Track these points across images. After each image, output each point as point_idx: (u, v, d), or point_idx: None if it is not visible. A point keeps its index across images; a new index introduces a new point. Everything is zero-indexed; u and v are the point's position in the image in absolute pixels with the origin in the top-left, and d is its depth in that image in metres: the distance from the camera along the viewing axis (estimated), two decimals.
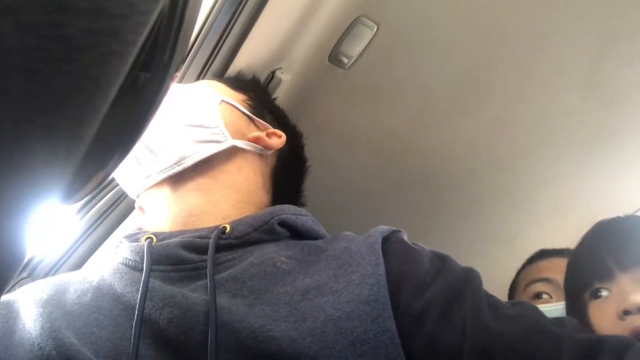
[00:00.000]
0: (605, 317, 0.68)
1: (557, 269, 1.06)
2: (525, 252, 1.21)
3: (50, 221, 0.90)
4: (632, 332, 0.63)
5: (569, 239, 1.35)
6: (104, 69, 0.18)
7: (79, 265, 0.94)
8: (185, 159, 0.65)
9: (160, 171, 0.66)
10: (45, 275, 0.94)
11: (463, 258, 0.60)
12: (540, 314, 0.51)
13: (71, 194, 0.31)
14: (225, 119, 0.69)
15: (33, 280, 0.82)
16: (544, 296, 1.04)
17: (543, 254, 1.14)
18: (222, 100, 0.71)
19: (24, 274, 0.95)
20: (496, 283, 1.18)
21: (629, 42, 0.92)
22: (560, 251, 1.12)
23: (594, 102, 1.02)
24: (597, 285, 0.70)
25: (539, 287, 1.06)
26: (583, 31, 0.90)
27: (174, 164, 0.65)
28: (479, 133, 1.05)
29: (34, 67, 0.16)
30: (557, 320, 0.50)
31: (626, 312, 0.65)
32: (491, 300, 0.53)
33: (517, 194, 1.20)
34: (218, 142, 0.67)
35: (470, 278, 0.54)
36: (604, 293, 0.70)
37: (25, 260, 0.92)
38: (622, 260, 0.69)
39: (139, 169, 0.67)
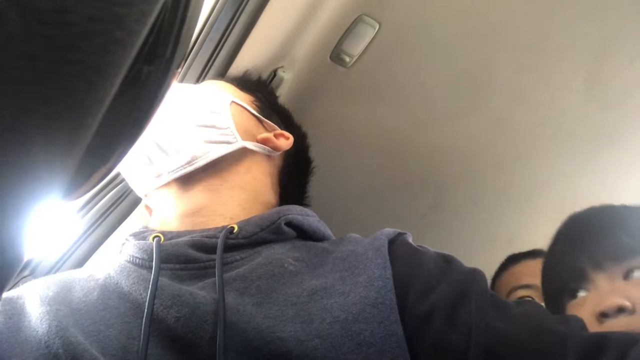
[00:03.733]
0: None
1: (532, 273, 1.06)
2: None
3: (52, 219, 0.90)
4: None
5: None
6: (107, 58, 0.17)
7: (80, 263, 0.94)
8: (196, 159, 0.66)
9: (172, 171, 0.66)
10: (47, 273, 0.94)
11: (462, 258, 0.60)
12: (545, 313, 0.51)
13: (73, 189, 0.30)
14: (235, 120, 0.69)
15: (35, 278, 0.82)
16: (525, 299, 1.03)
17: (514, 259, 1.14)
18: (233, 101, 0.71)
19: (26, 272, 0.95)
20: None
21: (628, 43, 0.92)
22: (530, 253, 1.13)
23: (594, 103, 1.02)
24: (574, 287, 0.67)
25: (521, 293, 1.06)
26: (583, 32, 0.90)
27: (185, 164, 0.66)
28: (480, 133, 1.06)
29: (35, 54, 0.16)
30: (562, 319, 0.50)
31: (603, 315, 0.62)
32: (496, 300, 0.52)
33: (517, 195, 1.20)
34: (229, 143, 0.68)
35: (475, 279, 0.54)
36: (582, 293, 0.66)
37: (27, 259, 0.92)
38: (597, 259, 0.65)
39: (150, 168, 0.67)
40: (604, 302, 0.62)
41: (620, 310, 0.61)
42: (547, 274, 0.73)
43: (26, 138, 0.17)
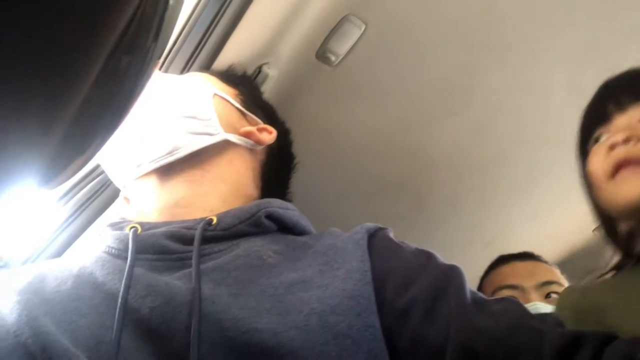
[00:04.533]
0: (597, 158, 0.67)
1: (519, 274, 1.11)
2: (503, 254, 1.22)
3: (29, 209, 0.88)
4: (615, 165, 0.63)
5: (547, 243, 1.38)
6: (82, 43, 0.17)
7: (57, 255, 0.92)
8: (178, 149, 0.65)
9: (152, 160, 0.66)
10: (23, 264, 0.93)
11: (441, 259, 0.61)
12: (523, 310, 0.51)
13: (49, 178, 0.30)
14: (218, 112, 0.69)
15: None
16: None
17: (503, 260, 1.17)
18: (215, 94, 0.71)
19: (0, 263, 0.93)
20: (473, 285, 1.19)
21: (610, 50, 0.93)
22: (519, 255, 1.16)
23: (575, 108, 1.03)
24: (598, 131, 0.69)
25: (505, 293, 1.09)
26: (565, 38, 0.92)
27: (166, 154, 0.65)
28: (462, 136, 1.06)
29: (7, 36, 0.15)
30: (540, 316, 0.50)
31: (612, 147, 0.64)
32: (475, 297, 0.53)
33: (497, 198, 1.22)
34: (210, 134, 0.67)
35: (454, 275, 0.54)
36: (603, 137, 0.68)
37: (1, 252, 0.90)
38: (621, 101, 0.67)
39: (131, 157, 0.67)
40: (615, 135, 0.65)
41: (627, 141, 0.63)
42: (580, 126, 0.76)
43: None
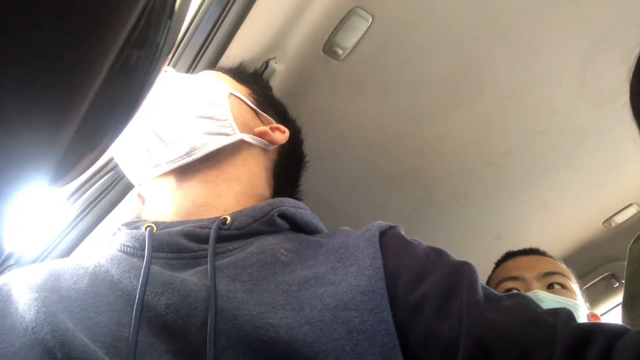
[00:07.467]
0: None
1: (522, 267, 1.14)
2: (512, 247, 1.22)
3: (39, 207, 0.89)
4: None
5: (557, 236, 1.37)
6: (95, 39, 0.17)
7: (67, 252, 0.93)
8: (195, 150, 0.66)
9: (170, 161, 0.66)
10: (33, 263, 0.93)
11: (451, 252, 0.61)
12: (535, 305, 0.51)
13: (60, 176, 0.30)
14: (233, 112, 0.70)
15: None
16: (514, 292, 1.09)
17: (509, 255, 1.20)
18: (231, 93, 0.72)
19: (11, 262, 0.94)
20: (483, 278, 1.19)
21: (619, 42, 0.92)
22: (524, 251, 1.19)
23: (584, 101, 1.03)
24: None
25: (508, 284, 1.12)
26: (574, 30, 0.91)
27: (184, 155, 0.66)
28: (470, 129, 1.06)
29: (18, 32, 0.15)
30: (552, 310, 0.50)
31: None
32: (487, 292, 0.53)
33: (506, 191, 1.21)
34: (227, 134, 0.68)
35: (466, 271, 0.54)
36: None
37: (12, 249, 0.91)
38: None
39: (148, 157, 0.67)
40: None
41: None
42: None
43: (8, 121, 0.16)
